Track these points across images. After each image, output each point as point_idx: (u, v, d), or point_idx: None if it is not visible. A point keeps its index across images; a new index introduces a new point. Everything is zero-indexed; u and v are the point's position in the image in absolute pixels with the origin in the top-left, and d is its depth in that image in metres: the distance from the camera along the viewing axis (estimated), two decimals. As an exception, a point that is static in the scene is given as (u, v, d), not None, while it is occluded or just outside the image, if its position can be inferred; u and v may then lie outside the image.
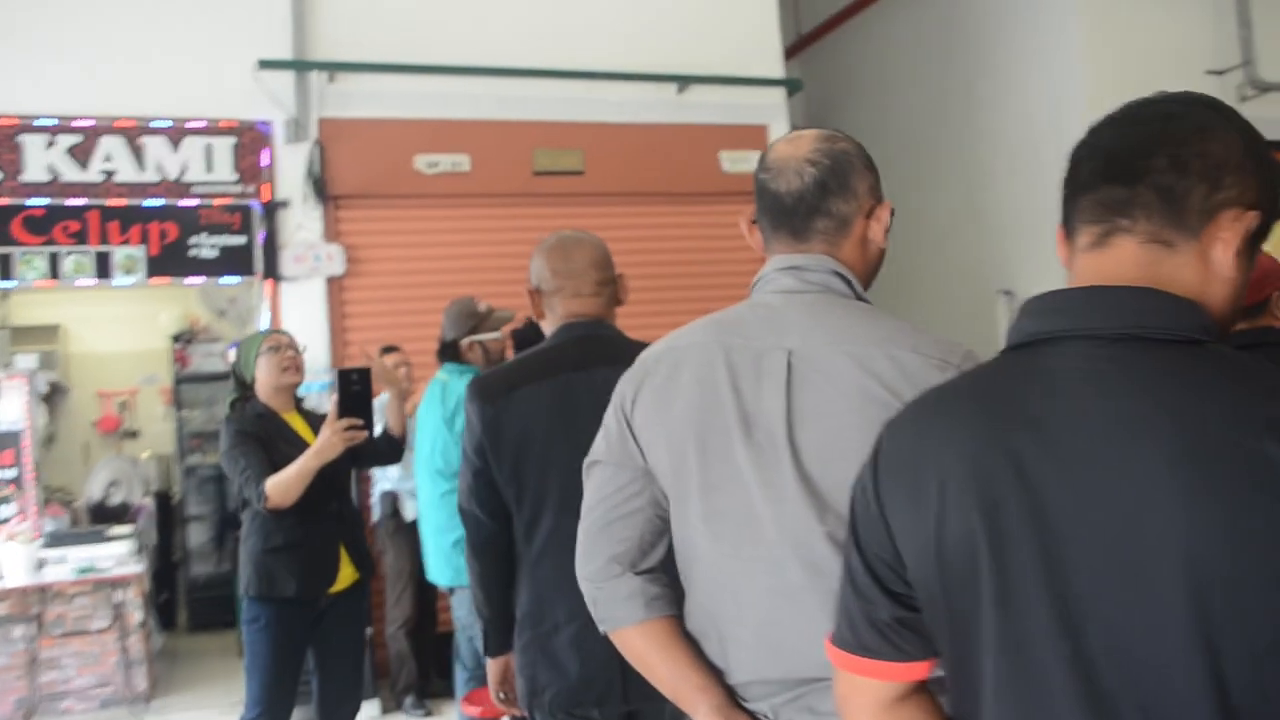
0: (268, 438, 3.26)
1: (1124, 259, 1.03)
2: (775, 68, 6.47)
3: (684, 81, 6.14)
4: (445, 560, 3.71)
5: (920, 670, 1.13)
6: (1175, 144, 1.01)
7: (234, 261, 5.51)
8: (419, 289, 5.66)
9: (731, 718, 1.41)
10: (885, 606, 1.10)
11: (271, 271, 5.50)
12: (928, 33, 8.48)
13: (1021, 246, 7.70)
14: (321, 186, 5.55)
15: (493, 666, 2.41)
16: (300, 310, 5.51)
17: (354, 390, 3.11)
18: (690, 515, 1.49)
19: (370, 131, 5.65)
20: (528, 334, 3.67)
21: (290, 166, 5.58)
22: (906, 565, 1.06)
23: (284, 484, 3.12)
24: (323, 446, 3.09)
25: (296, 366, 3.42)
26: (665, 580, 1.54)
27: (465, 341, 3.89)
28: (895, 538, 1.08)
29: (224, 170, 5.52)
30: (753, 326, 1.48)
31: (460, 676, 3.95)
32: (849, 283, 1.48)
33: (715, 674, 1.45)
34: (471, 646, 3.83)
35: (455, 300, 4.01)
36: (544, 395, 2.16)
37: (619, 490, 1.55)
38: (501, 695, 2.42)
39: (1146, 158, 1.02)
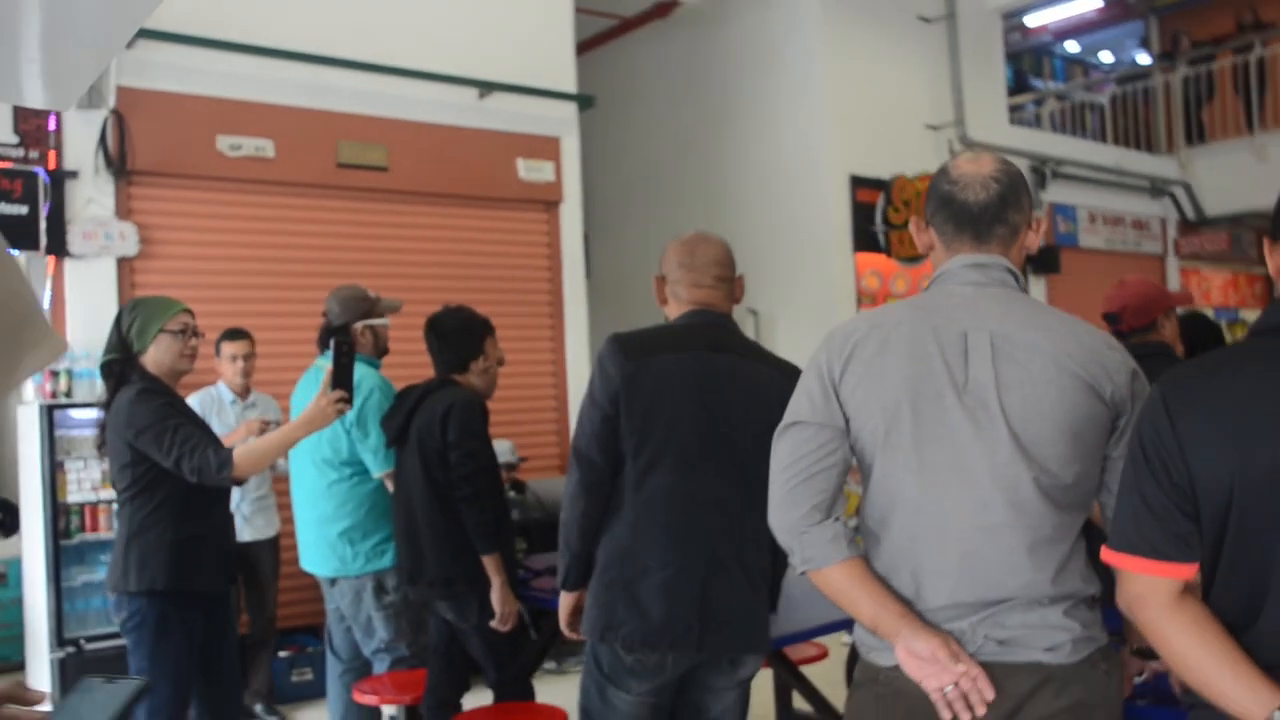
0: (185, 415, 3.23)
1: None
2: (569, 81, 7.06)
3: (484, 87, 6.59)
4: (330, 550, 3.93)
5: (1194, 570, 1.62)
6: None
7: (13, 233, 5.34)
8: (216, 275, 5.75)
9: (932, 632, 1.85)
10: (1178, 520, 1.59)
11: (56, 248, 5.39)
12: (693, 58, 9.35)
13: (767, 269, 8.73)
14: (116, 159, 5.53)
15: (569, 599, 2.81)
16: (87, 291, 5.45)
17: (343, 361, 3.14)
18: (899, 467, 1.91)
19: (171, 106, 5.67)
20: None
21: (81, 134, 5.50)
22: (1202, 486, 1.56)
23: (258, 453, 3.13)
24: (314, 417, 3.09)
25: (194, 356, 3.39)
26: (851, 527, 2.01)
27: (359, 326, 4.06)
28: (1193, 466, 1.56)
29: (2, 130, 5.37)
30: (953, 310, 1.95)
31: (334, 670, 4.15)
32: (1019, 278, 2.04)
33: (906, 603, 1.91)
34: (349, 638, 4.09)
35: (339, 287, 4.18)
36: (681, 365, 2.67)
37: (821, 447, 1.95)
38: (569, 626, 2.85)
39: None
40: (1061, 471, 1.89)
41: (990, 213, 2.00)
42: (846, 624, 2.83)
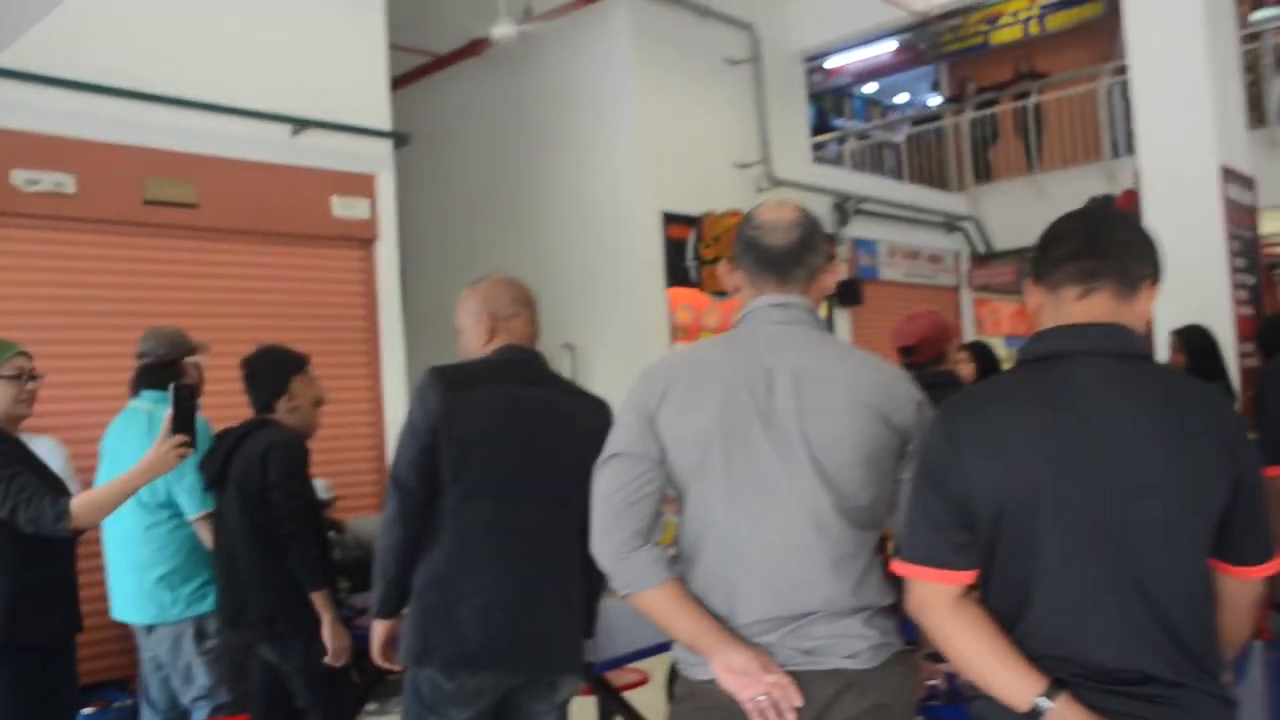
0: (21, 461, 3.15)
1: (1103, 306, 1.83)
2: (384, 118, 7.11)
3: (298, 124, 6.57)
4: (147, 597, 3.87)
5: (971, 576, 1.83)
6: (1124, 237, 1.88)
7: None
8: (10, 317, 5.56)
9: (744, 647, 2.03)
10: (957, 532, 1.81)
11: None
12: (507, 95, 9.50)
13: (582, 303, 8.93)
14: (-100, 195, 5.30)
15: (383, 627, 2.91)
16: None
17: (184, 405, 3.11)
18: (711, 493, 2.09)
19: (-38, 140, 5.49)
20: None
21: None
22: (977, 502, 1.78)
23: (97, 504, 3.06)
24: (154, 463, 3.03)
25: (33, 399, 3.31)
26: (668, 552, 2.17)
27: (190, 361, 4.04)
28: (969, 483, 1.78)
29: None
30: (759, 347, 2.15)
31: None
32: (817, 317, 2.24)
33: (720, 620, 2.08)
34: (165, 688, 4.02)
35: (155, 328, 4.15)
36: (498, 397, 2.83)
37: (639, 477, 2.11)
38: (382, 656, 2.93)
39: (1109, 243, 1.86)
40: (858, 494, 2.10)
41: (791, 256, 2.22)
42: (665, 647, 2.98)
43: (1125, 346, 1.83)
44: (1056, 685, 1.75)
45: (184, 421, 3.10)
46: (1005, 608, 1.83)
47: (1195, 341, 5.56)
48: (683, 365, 2.20)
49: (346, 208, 6.77)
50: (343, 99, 6.84)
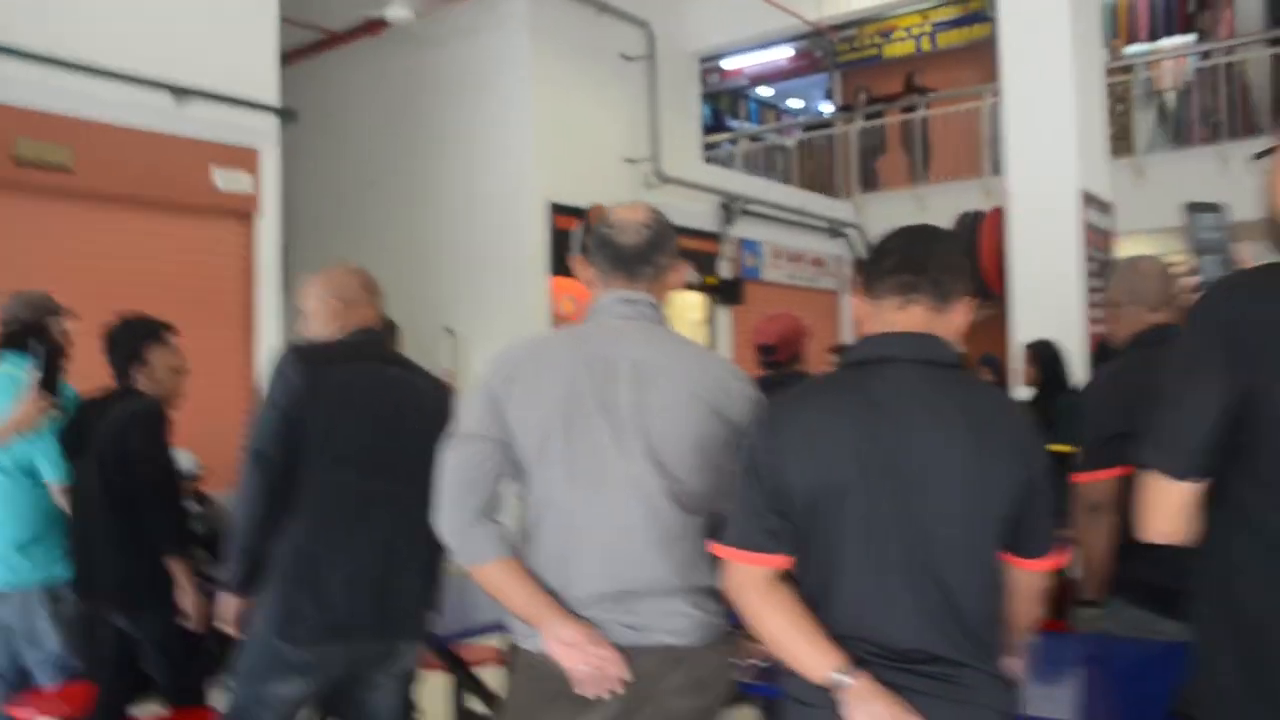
0: None
1: (919, 317, 1.99)
2: (271, 93, 7.07)
3: (180, 92, 6.51)
4: (1, 562, 3.86)
5: (784, 561, 1.98)
6: (942, 254, 2.04)
7: None
8: None
9: (575, 621, 2.17)
10: (772, 519, 1.95)
11: None
12: (403, 78, 9.51)
13: (466, 289, 9.01)
14: None
15: (236, 602, 2.97)
16: None
17: (51, 364, 3.22)
18: (552, 475, 2.22)
19: None
20: None
21: None
22: (792, 493, 1.93)
23: None
24: (20, 420, 3.17)
25: None
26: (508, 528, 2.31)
27: (60, 326, 3.98)
28: (787, 476, 1.93)
29: None
30: (604, 339, 2.30)
31: (-2, 690, 4.06)
32: (662, 313, 2.39)
33: (554, 595, 2.21)
34: (9, 651, 3.99)
35: (19, 292, 4.12)
36: (356, 375, 2.96)
37: (481, 456, 2.22)
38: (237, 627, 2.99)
39: (927, 260, 2.02)
40: (689, 481, 2.26)
41: (640, 255, 2.36)
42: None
43: (936, 355, 2.00)
44: (854, 662, 1.92)
45: (50, 381, 3.18)
46: (813, 591, 2.00)
47: (1045, 354, 5.90)
48: (530, 354, 2.33)
49: (228, 180, 6.73)
50: (229, 70, 6.79)
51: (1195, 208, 1.86)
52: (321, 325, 3.10)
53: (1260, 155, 1.77)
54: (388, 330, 3.93)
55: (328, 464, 2.90)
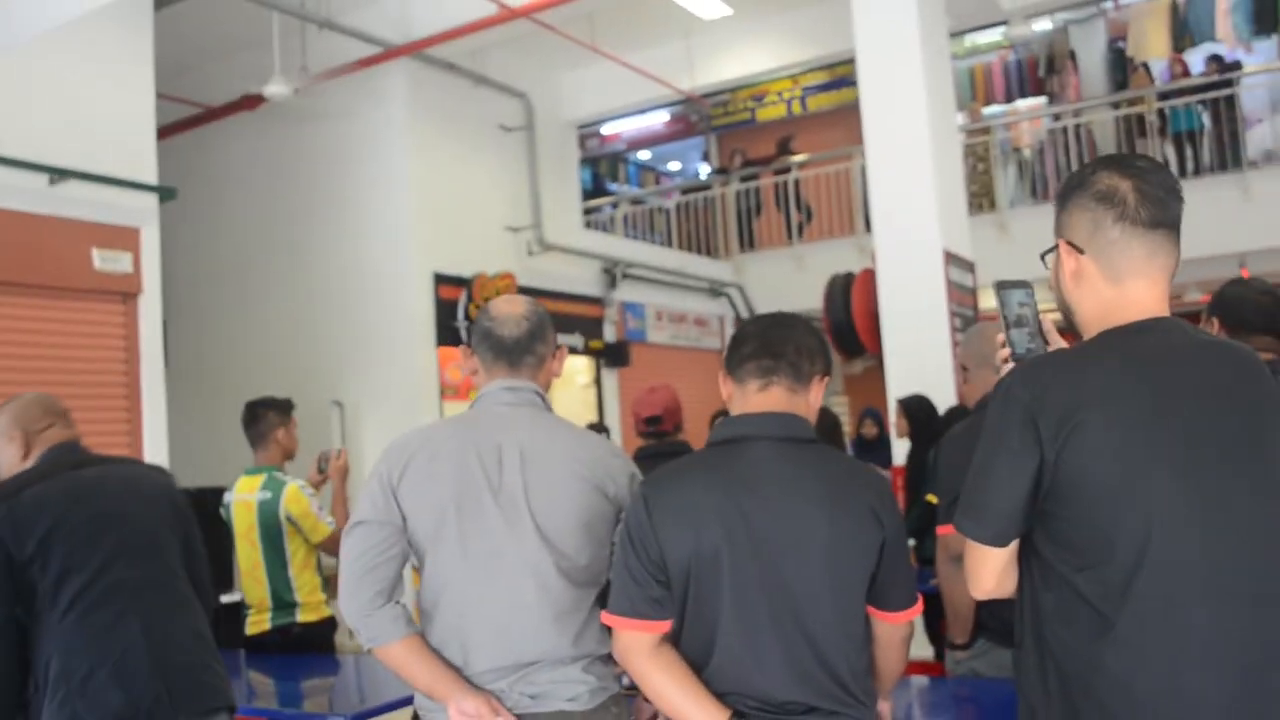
0: None
1: (778, 398, 2.21)
2: (150, 171, 7.08)
3: (56, 173, 6.49)
4: None
5: (667, 626, 2.14)
6: (796, 339, 2.24)
7: None
8: None
9: (477, 693, 2.29)
10: (654, 588, 2.12)
11: None
12: (282, 152, 9.56)
13: (352, 361, 9.03)
14: None
15: None
16: None
17: None
18: (447, 556, 2.35)
19: None
20: None
21: None
22: (669, 562, 2.10)
23: None
24: None
25: None
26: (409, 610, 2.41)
27: None
28: (664, 547, 2.11)
29: None
30: (491, 426, 2.44)
31: None
32: (544, 399, 2.55)
33: (456, 670, 2.33)
34: None
35: None
36: (57, 486, 2.89)
37: (382, 542, 2.34)
38: None
39: (784, 345, 2.23)
40: (577, 556, 2.41)
41: (521, 345, 2.53)
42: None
43: (795, 432, 2.20)
44: (737, 716, 2.08)
45: None
46: (695, 651, 2.16)
47: (914, 409, 6.17)
48: (422, 442, 2.46)
49: (108, 260, 6.71)
50: (106, 149, 6.80)
51: (1004, 285, 2.06)
52: (10, 459, 3.05)
53: (1045, 254, 2.00)
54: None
55: (57, 581, 2.82)
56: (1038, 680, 1.83)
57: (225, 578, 6.61)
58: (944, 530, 3.20)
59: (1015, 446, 1.78)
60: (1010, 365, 2.00)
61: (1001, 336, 2.03)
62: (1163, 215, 1.85)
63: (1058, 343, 2.03)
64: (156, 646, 2.88)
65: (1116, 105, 12.04)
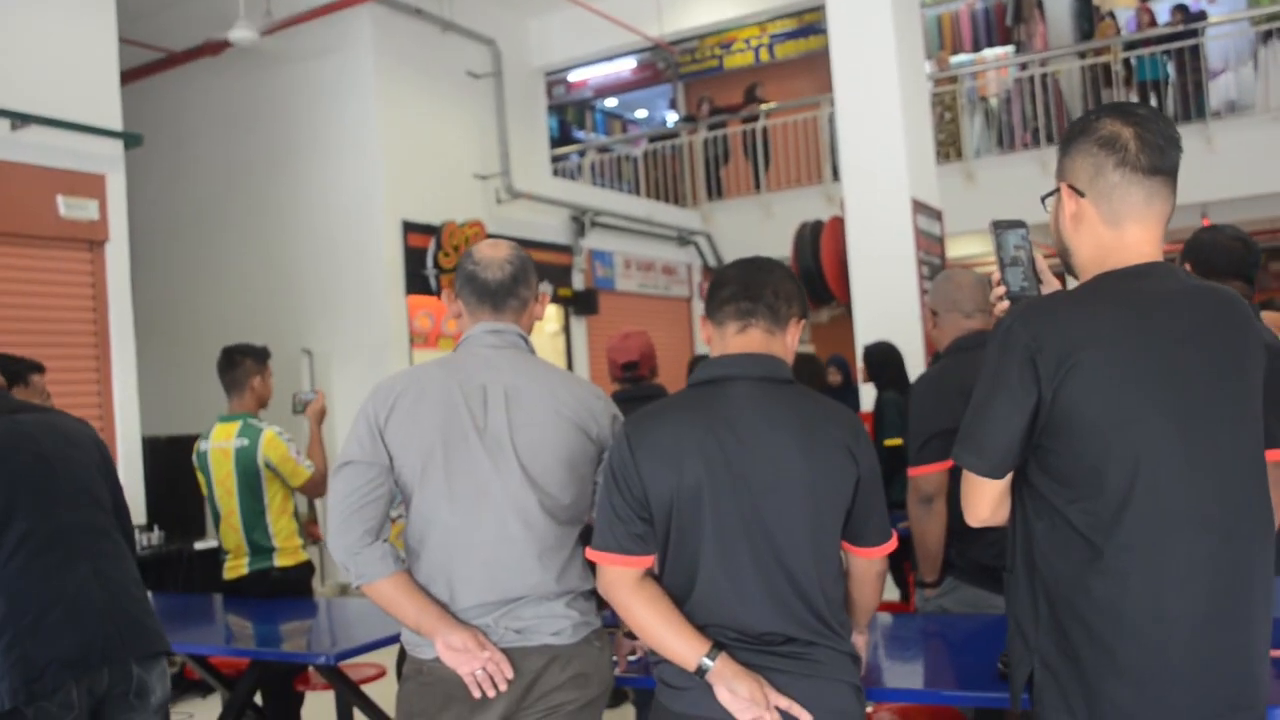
0: None
1: (757, 339, 2.26)
2: (114, 117, 7.00)
3: (18, 118, 6.41)
4: None
5: (650, 561, 2.22)
6: (774, 283, 2.29)
7: None
8: None
9: (463, 628, 2.36)
10: (637, 524, 2.19)
11: None
12: (247, 97, 9.46)
13: (321, 309, 9.01)
14: None
15: None
16: None
17: None
18: (434, 494, 2.40)
19: None
20: None
21: None
22: (651, 499, 2.17)
23: None
24: None
25: None
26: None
27: None
28: (647, 484, 2.17)
29: None
30: (476, 368, 2.49)
31: None
32: (527, 342, 2.60)
33: (442, 606, 2.41)
34: None
35: None
36: None
37: (369, 482, 2.39)
38: None
39: (762, 288, 2.28)
40: (560, 494, 2.48)
41: (505, 289, 2.58)
42: (396, 639, 3.21)
43: (773, 372, 2.27)
44: (717, 647, 2.16)
45: None
46: (677, 586, 2.24)
47: (873, 354, 6.30)
48: (408, 383, 2.51)
49: (74, 208, 6.65)
50: (70, 95, 6.71)
51: (1001, 225, 2.12)
52: None
53: (1046, 197, 2.08)
54: (9, 377, 3.85)
55: (4, 525, 2.81)
56: (1028, 604, 1.95)
57: (198, 526, 6.65)
58: (915, 471, 3.28)
59: (1014, 384, 1.87)
60: (1005, 304, 2.07)
61: (997, 275, 2.10)
62: (1161, 162, 1.93)
63: (1051, 283, 2.11)
64: (105, 590, 2.88)
65: (1083, 55, 12.11)
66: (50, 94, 6.59)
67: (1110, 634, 1.83)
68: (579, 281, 11.54)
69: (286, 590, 4.56)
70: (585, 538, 2.43)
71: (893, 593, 6.16)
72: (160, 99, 9.48)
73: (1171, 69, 11.26)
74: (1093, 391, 1.84)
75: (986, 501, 1.99)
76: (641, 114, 18.87)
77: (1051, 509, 1.90)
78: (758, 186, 13.33)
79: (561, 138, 16.38)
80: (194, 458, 4.69)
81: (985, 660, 2.64)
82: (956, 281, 3.55)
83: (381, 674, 4.60)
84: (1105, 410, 1.84)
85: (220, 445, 4.56)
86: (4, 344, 4.97)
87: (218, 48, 8.93)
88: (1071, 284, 2.04)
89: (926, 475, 3.26)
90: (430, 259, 9.20)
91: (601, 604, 2.56)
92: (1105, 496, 1.84)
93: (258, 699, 4.44)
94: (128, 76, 8.91)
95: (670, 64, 16.35)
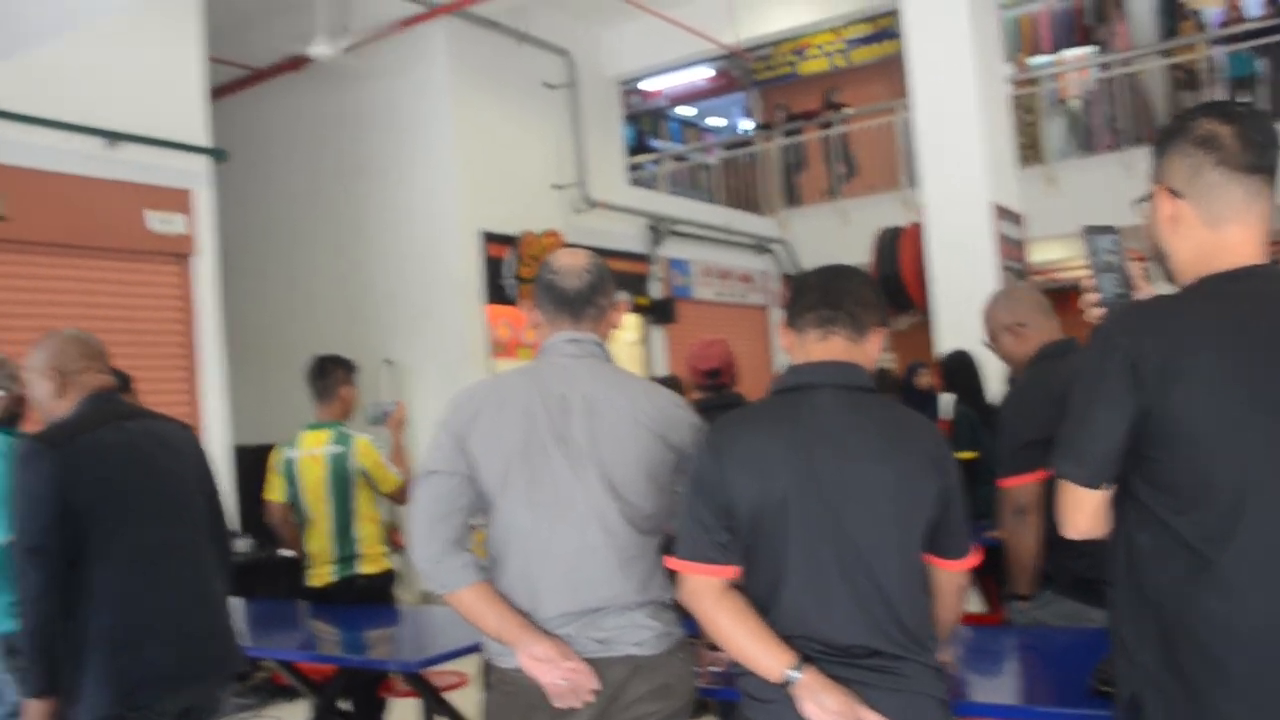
0: None
1: (839, 347, 2.23)
2: (201, 133, 7.16)
3: (111, 137, 6.58)
4: None
5: (734, 571, 2.18)
6: (855, 290, 2.28)
7: None
8: None
9: (546, 637, 2.33)
10: (721, 533, 2.15)
11: None
12: (327, 112, 9.59)
13: (402, 321, 9.10)
14: None
15: (48, 704, 2.81)
16: None
17: None
18: (515, 503, 2.39)
19: None
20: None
21: None
22: (737, 508, 2.14)
23: None
24: None
25: None
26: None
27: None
28: (732, 493, 2.14)
29: None
30: (555, 377, 2.48)
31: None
32: (606, 351, 2.59)
33: (524, 615, 2.39)
34: None
35: None
36: (106, 437, 2.94)
37: (451, 491, 2.39)
38: None
39: (843, 295, 2.26)
40: (642, 503, 2.45)
41: (583, 297, 2.56)
42: (479, 647, 3.24)
43: (855, 380, 2.23)
44: (802, 659, 2.12)
45: None
46: (761, 596, 2.20)
47: (950, 364, 6.19)
48: (489, 392, 2.51)
49: (162, 222, 6.80)
50: (159, 113, 6.88)
51: (1092, 230, 2.06)
52: (49, 401, 3.07)
53: (1139, 201, 2.01)
54: (123, 384, 3.91)
55: (109, 531, 2.89)
56: (1132, 619, 1.88)
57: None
58: (1007, 483, 3.20)
59: (1114, 391, 1.81)
60: (1098, 311, 2.01)
61: (1089, 282, 2.04)
62: (1261, 160, 1.85)
63: (1145, 288, 2.05)
64: (201, 608, 3.00)
65: (1167, 53, 11.82)
66: (141, 112, 6.76)
67: (1222, 649, 1.75)
68: (656, 290, 11.53)
69: (371, 597, 4.60)
70: (666, 548, 2.41)
71: (976, 604, 6.05)
72: (245, 115, 9.65)
73: (1263, 65, 10.94)
74: (1198, 398, 1.77)
75: (1085, 513, 1.91)
76: (717, 122, 18.83)
77: (1156, 520, 1.83)
78: (834, 193, 13.22)
79: (638, 147, 16.41)
80: (278, 465, 4.74)
81: (1078, 675, 2.57)
82: (1026, 294, 3.57)
83: (464, 681, 4.64)
84: (1212, 417, 1.77)
85: (311, 452, 4.62)
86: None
87: (299, 63, 9.08)
88: (1166, 289, 1.97)
89: (1019, 486, 3.18)
90: (508, 269, 9.25)
91: (683, 615, 2.55)
92: (1215, 506, 1.77)
93: (343, 704, 4.48)
94: (215, 93, 9.10)
95: (745, 71, 16.30)
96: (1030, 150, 11.67)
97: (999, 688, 2.92)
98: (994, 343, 3.59)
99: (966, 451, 5.81)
